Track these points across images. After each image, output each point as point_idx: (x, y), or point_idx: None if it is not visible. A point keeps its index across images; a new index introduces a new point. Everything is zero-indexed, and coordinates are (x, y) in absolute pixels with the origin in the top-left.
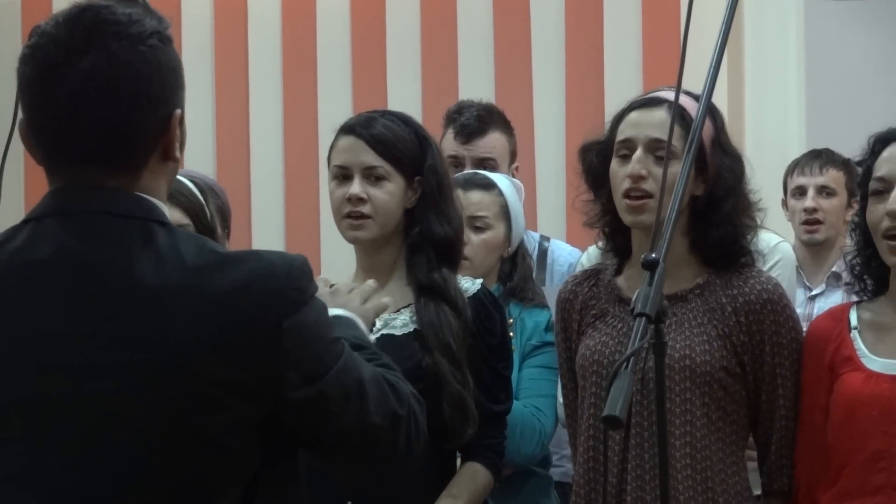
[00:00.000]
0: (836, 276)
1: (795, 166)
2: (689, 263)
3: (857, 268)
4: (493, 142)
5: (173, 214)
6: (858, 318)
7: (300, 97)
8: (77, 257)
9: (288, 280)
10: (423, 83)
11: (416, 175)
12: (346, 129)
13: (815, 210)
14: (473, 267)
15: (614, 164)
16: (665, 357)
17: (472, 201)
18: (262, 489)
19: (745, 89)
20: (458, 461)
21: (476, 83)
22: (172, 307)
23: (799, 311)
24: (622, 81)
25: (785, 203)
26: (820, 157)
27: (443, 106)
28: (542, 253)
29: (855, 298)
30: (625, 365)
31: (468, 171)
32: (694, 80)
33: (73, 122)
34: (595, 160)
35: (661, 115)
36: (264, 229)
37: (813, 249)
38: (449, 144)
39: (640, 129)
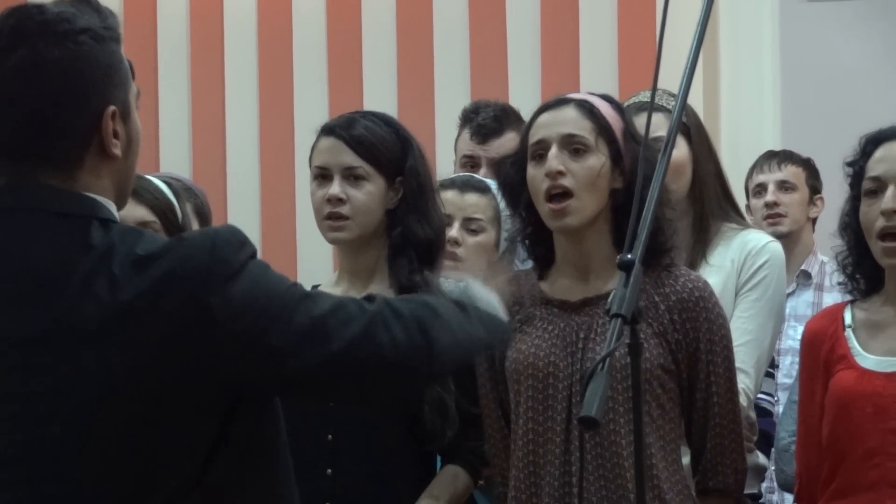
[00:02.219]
0: (806, 275)
1: (754, 167)
2: (614, 261)
3: (850, 268)
4: (509, 142)
5: (137, 211)
6: (853, 317)
7: (276, 98)
8: (7, 255)
9: (211, 255)
10: (398, 84)
11: (397, 176)
12: (327, 129)
13: (776, 204)
14: (466, 268)
15: (530, 168)
16: (640, 358)
17: (468, 203)
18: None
19: (720, 90)
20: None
21: (452, 84)
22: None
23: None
24: (598, 82)
25: (748, 206)
26: (778, 155)
27: (418, 107)
28: None
29: (849, 297)
30: (601, 366)
31: (464, 173)
32: (669, 81)
33: (1, 120)
34: (511, 171)
35: (570, 112)
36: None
37: None
38: (465, 144)
39: (552, 128)
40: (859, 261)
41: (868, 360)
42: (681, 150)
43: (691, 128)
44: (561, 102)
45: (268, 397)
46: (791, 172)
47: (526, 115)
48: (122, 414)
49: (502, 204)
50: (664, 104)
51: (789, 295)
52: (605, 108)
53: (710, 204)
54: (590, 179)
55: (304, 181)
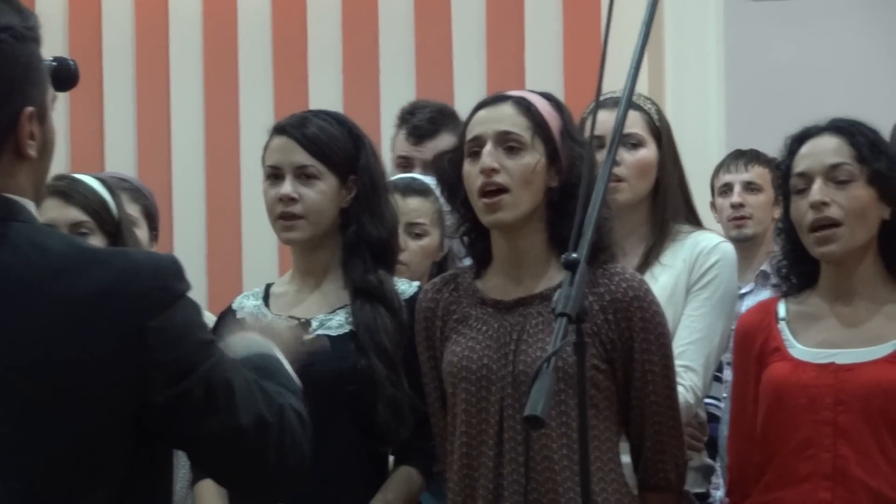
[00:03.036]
0: (765, 275)
1: (721, 166)
2: (550, 260)
3: (784, 269)
4: (444, 144)
5: (69, 213)
6: (786, 310)
7: (221, 97)
8: None
9: (154, 280)
10: (344, 83)
11: (350, 175)
12: (279, 129)
13: (741, 205)
14: (410, 272)
15: (466, 164)
16: (586, 358)
17: (410, 207)
18: (131, 489)
19: (665, 90)
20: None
21: (398, 83)
22: (31, 309)
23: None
24: (543, 82)
25: (713, 204)
26: (745, 155)
27: (364, 107)
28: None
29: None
30: (546, 365)
31: (405, 175)
32: (614, 80)
33: None
34: (448, 168)
35: (507, 109)
36: (186, 231)
37: (742, 247)
38: (400, 144)
39: (488, 125)
40: (795, 261)
41: (801, 351)
42: (651, 151)
43: (663, 133)
44: (498, 99)
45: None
46: (757, 173)
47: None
48: (39, 422)
49: (444, 203)
50: (640, 104)
51: (748, 294)
52: (543, 106)
53: (673, 210)
54: (524, 177)
55: (250, 181)
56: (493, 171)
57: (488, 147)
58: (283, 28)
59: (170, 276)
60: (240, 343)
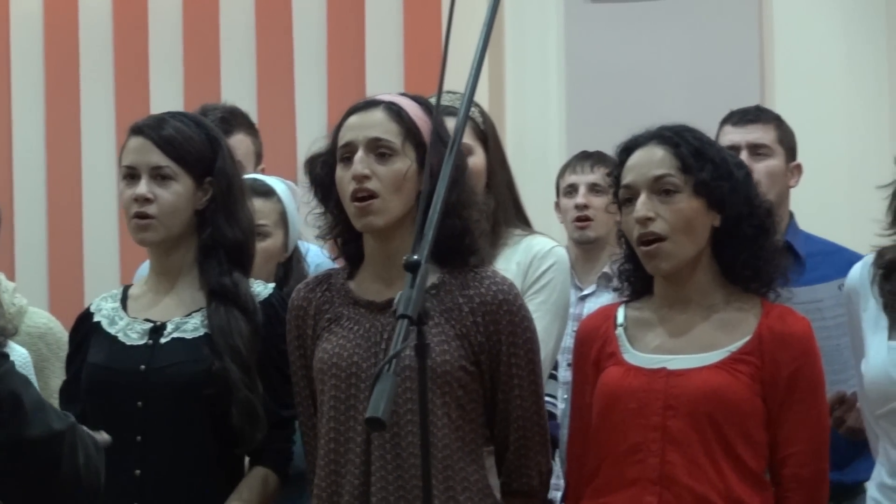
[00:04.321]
0: (607, 277)
1: (567, 167)
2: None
3: (625, 273)
4: (237, 143)
5: None
6: (625, 316)
7: (62, 100)
8: None
9: None
10: (185, 85)
11: (207, 176)
12: (135, 129)
13: (585, 206)
14: (253, 274)
15: (339, 169)
16: (427, 359)
17: (252, 209)
18: None
19: (505, 90)
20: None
21: (238, 85)
22: None
23: (570, 311)
24: (384, 83)
25: (558, 205)
26: (591, 157)
27: (278, 106)
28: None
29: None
30: (387, 367)
31: (247, 176)
32: (455, 82)
33: None
34: (320, 171)
35: (378, 115)
36: (27, 232)
37: (584, 249)
38: None
39: (359, 131)
40: (635, 265)
41: (635, 357)
42: (479, 158)
43: (489, 136)
44: (370, 105)
45: None
46: (603, 175)
47: (308, 118)
48: None
49: (288, 204)
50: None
51: (590, 296)
52: (414, 111)
53: (504, 213)
54: (395, 183)
55: (92, 182)
56: (365, 177)
57: (360, 154)
58: (124, 30)
59: None
60: None
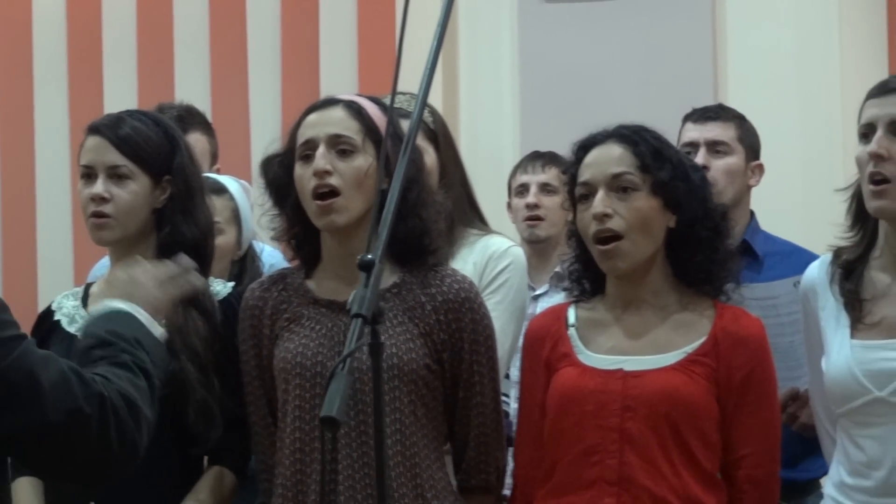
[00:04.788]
0: (560, 277)
1: (518, 166)
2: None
3: (576, 273)
4: (192, 143)
5: None
6: (576, 317)
7: (16, 98)
8: None
9: None
10: (139, 84)
11: (165, 175)
12: (93, 129)
13: (536, 206)
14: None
15: (298, 168)
16: (381, 358)
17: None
18: None
19: (459, 91)
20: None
21: (192, 85)
22: None
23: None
24: (338, 83)
25: (510, 205)
26: (542, 157)
27: (232, 104)
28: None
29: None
30: (341, 366)
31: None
32: (409, 81)
33: None
34: (278, 171)
35: (338, 113)
36: None
37: (536, 249)
38: None
39: (319, 128)
40: (585, 265)
41: (590, 358)
42: (429, 158)
43: (439, 136)
44: (329, 103)
45: None
46: (554, 175)
47: (263, 118)
48: None
49: (241, 202)
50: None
51: (542, 295)
52: (372, 110)
53: (459, 212)
54: (356, 179)
55: (45, 184)
56: (326, 172)
57: (321, 149)
58: (78, 31)
59: None
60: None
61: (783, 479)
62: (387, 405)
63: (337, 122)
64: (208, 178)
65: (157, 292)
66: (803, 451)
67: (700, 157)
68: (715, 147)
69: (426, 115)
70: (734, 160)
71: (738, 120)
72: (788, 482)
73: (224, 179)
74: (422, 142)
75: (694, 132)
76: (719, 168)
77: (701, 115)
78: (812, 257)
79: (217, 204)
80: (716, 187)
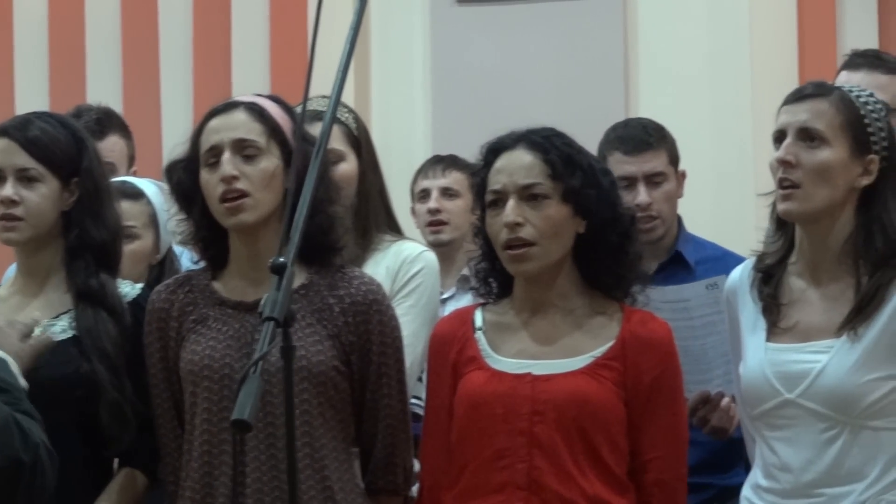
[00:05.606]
0: (466, 279)
1: (420, 172)
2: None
3: (483, 273)
4: (111, 145)
5: None
6: (483, 320)
7: None
8: None
9: None
10: (50, 85)
11: (73, 177)
12: (1, 131)
13: (438, 211)
14: (122, 276)
15: (204, 173)
16: (293, 361)
17: (119, 211)
18: None
19: (371, 94)
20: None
21: (104, 86)
22: None
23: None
24: (250, 85)
25: (413, 211)
26: (443, 161)
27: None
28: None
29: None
30: (253, 369)
31: (116, 178)
32: (321, 84)
33: None
34: (183, 177)
35: (240, 116)
36: None
37: (440, 252)
38: None
39: (223, 133)
40: (492, 266)
41: (498, 361)
42: (350, 164)
43: (362, 142)
44: (230, 106)
45: None
46: (454, 179)
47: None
48: None
49: (158, 206)
50: (338, 115)
51: (449, 299)
52: (274, 111)
53: (375, 218)
54: (264, 181)
55: None
56: (234, 178)
57: (226, 155)
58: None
59: None
60: None
61: (716, 485)
62: (297, 407)
63: (240, 125)
64: (125, 182)
65: (22, 343)
66: (735, 457)
67: (641, 195)
68: (653, 179)
69: (350, 122)
70: (671, 185)
71: (664, 139)
72: (720, 488)
73: (141, 183)
74: (344, 147)
75: (630, 166)
76: (660, 199)
77: (633, 146)
78: (740, 261)
79: (133, 209)
80: (661, 219)
